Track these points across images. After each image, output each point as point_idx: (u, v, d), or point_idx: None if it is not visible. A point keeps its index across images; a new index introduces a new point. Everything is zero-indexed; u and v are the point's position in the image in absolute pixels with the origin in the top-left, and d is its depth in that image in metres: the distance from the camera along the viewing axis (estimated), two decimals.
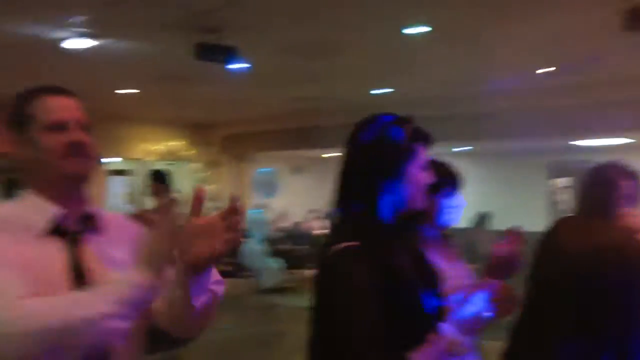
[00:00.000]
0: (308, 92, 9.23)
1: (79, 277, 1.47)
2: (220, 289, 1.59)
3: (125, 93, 9.51)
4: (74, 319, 1.29)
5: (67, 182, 1.55)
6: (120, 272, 1.38)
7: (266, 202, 9.28)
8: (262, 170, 8.54)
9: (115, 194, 12.48)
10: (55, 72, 7.21)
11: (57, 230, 1.51)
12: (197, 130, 13.57)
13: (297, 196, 14.09)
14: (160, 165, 13.87)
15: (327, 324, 1.64)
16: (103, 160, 12.65)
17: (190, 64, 6.22)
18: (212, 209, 7.54)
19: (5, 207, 1.58)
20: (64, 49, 6.45)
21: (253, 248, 8.20)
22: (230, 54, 5.71)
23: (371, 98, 9.83)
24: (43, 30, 5.99)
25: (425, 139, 1.78)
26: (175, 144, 12.88)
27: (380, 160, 1.72)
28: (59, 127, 1.53)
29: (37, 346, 1.26)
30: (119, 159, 12.87)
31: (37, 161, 1.53)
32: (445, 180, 2.27)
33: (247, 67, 6.82)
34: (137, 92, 9.51)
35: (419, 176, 1.75)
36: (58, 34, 6.04)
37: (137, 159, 12.68)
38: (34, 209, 1.52)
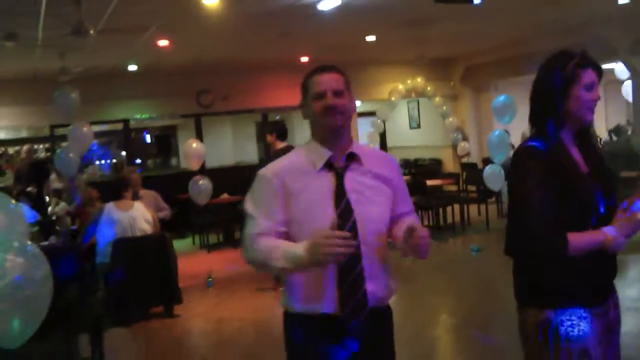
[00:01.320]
0: (548, 15, 9.29)
1: (341, 197, 2.26)
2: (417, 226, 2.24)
3: (370, 41, 10.42)
4: (266, 261, 2.19)
5: (330, 133, 2.32)
6: (292, 247, 2.16)
7: (506, 128, 9.61)
8: (501, 97, 8.84)
9: (364, 133, 13.64)
10: (313, 30, 8.42)
11: (329, 166, 2.31)
12: (436, 67, 14.14)
13: None
14: (403, 103, 14.78)
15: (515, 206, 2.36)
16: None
17: (427, 7, 6.83)
18: (455, 139, 8.48)
19: (301, 152, 2.39)
20: (317, 10, 7.52)
21: (495, 171, 8.60)
22: None
23: (616, 10, 9.60)
24: None
25: (591, 64, 2.33)
26: (416, 82, 13.54)
27: (551, 86, 2.33)
28: (319, 96, 2.27)
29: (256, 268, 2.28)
30: (367, 101, 14.00)
31: (312, 120, 2.35)
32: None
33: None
34: (380, 39, 10.37)
35: (584, 95, 2.31)
36: None
37: (381, 100, 13.64)
38: (315, 152, 2.33)
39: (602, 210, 2.31)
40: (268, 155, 7.83)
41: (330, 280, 2.21)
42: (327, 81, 2.29)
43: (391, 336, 2.45)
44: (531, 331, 2.35)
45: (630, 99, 11.62)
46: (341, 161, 2.30)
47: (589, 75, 2.32)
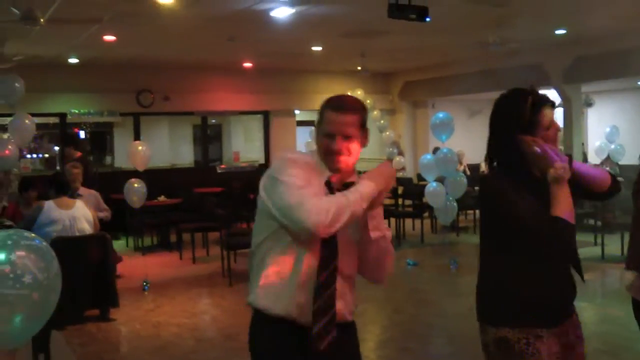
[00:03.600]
0: (490, 37, 9.59)
1: None
2: (388, 235, 2.38)
3: (316, 50, 10.50)
4: (341, 203, 2.14)
5: (330, 168, 2.34)
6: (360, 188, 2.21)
7: (438, 145, 9.86)
8: (440, 114, 9.05)
9: (303, 142, 13.70)
10: (261, 36, 8.42)
11: (328, 185, 2.32)
12: (377, 80, 14.36)
13: (472, 139, 14.51)
14: None
15: (493, 218, 2.46)
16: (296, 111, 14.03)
17: (376, 20, 6.96)
18: (390, 153, 8.64)
19: (312, 158, 2.38)
20: (270, 17, 7.54)
21: (433, 188, 8.80)
22: (421, 13, 6.30)
23: (552, 38, 10.03)
24: (254, 3, 7.05)
25: (544, 102, 2.41)
26: (356, 94, 13.70)
27: (510, 127, 2.42)
28: (329, 136, 2.29)
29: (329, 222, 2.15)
30: (306, 110, 14.08)
31: (319, 149, 2.34)
32: None
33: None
34: (324, 49, 10.46)
35: (546, 135, 2.38)
36: (267, 5, 7.10)
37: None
38: (319, 170, 2.34)
39: None
40: None
41: (306, 291, 2.26)
42: (341, 124, 2.29)
43: (357, 348, 2.50)
44: (491, 348, 2.44)
45: (560, 124, 12.12)
46: (339, 185, 2.33)
47: (545, 115, 2.39)
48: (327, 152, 2.30)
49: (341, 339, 2.33)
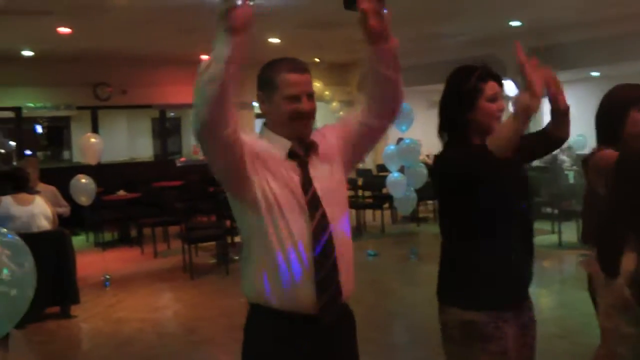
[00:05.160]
0: (444, 29, 9.73)
1: (308, 186, 2.20)
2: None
3: (273, 42, 10.48)
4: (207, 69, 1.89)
5: (296, 135, 2.23)
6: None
7: (401, 136, 9.94)
8: None
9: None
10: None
11: (292, 155, 2.25)
12: (334, 72, 14.40)
13: (432, 130, 14.66)
14: None
15: (451, 191, 2.47)
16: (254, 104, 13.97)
17: (331, 11, 6.97)
18: None
19: (260, 142, 2.25)
20: None
21: (394, 178, 8.88)
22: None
23: (507, 30, 10.22)
24: None
25: (492, 76, 2.47)
26: (314, 86, 13.72)
27: (456, 100, 2.47)
28: (293, 98, 2.14)
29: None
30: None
31: (278, 119, 2.20)
32: None
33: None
34: (281, 41, 10.44)
35: (488, 107, 2.45)
36: None
37: None
38: (278, 143, 2.24)
39: (523, 205, 2.51)
40: None
41: (306, 273, 2.13)
42: (304, 83, 2.19)
43: (355, 335, 2.49)
44: (454, 331, 2.46)
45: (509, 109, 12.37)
46: (301, 151, 2.23)
47: (490, 87, 2.45)
48: (295, 116, 2.17)
49: (343, 327, 2.31)
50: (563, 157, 10.98)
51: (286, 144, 2.20)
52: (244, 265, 2.24)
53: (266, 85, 2.21)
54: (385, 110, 2.33)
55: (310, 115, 2.20)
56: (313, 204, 2.17)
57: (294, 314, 2.14)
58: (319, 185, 2.21)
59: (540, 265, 7.64)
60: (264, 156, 2.16)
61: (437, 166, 2.56)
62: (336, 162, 2.31)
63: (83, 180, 7.53)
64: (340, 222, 2.24)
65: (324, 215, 2.17)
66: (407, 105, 9.16)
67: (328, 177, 2.25)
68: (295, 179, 2.19)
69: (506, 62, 11.37)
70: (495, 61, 11.37)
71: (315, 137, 2.28)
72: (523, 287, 2.55)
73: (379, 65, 2.23)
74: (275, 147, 2.20)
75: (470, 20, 9.12)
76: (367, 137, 2.36)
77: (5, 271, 2.05)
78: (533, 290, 2.61)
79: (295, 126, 2.19)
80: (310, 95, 2.20)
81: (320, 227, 2.15)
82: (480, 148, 2.29)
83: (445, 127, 2.56)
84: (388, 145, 9.73)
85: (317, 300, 2.14)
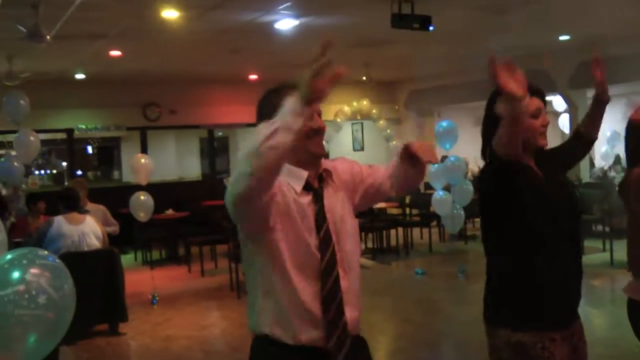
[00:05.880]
0: (492, 45, 9.59)
1: (322, 220, 2.15)
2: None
3: None
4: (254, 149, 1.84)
5: (312, 157, 2.15)
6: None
7: (446, 154, 9.83)
8: (444, 123, 9.06)
9: None
10: (265, 48, 8.48)
11: (307, 187, 2.14)
12: (382, 90, 14.38)
13: (479, 147, 14.46)
14: (347, 124, 14.94)
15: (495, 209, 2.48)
16: None
17: (380, 30, 6.98)
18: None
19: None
20: (274, 29, 7.60)
21: (440, 196, 8.79)
22: (424, 22, 6.33)
23: (556, 44, 10.04)
24: (258, 16, 7.09)
25: (534, 92, 2.39)
26: (362, 104, 13.72)
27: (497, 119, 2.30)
28: (308, 117, 1.92)
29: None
30: None
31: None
32: None
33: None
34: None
35: (532, 123, 2.41)
36: (271, 17, 7.14)
37: (327, 120, 13.77)
38: (292, 174, 2.12)
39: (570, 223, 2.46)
40: None
41: (312, 306, 2.09)
42: None
43: None
44: (502, 353, 2.41)
45: (566, 130, 12.11)
46: (315, 182, 2.19)
47: (533, 104, 2.41)
48: (312, 134, 2.11)
49: (356, 356, 2.20)
50: (613, 174, 10.68)
51: (302, 175, 2.15)
52: (249, 297, 2.21)
53: (276, 112, 1.96)
54: (402, 188, 2.42)
55: (323, 131, 2.20)
56: (324, 243, 2.13)
57: (304, 347, 2.10)
58: (331, 216, 2.19)
59: (591, 285, 7.42)
60: (280, 198, 2.09)
61: (480, 184, 2.51)
62: (345, 194, 2.31)
63: (142, 197, 7.86)
64: (350, 253, 2.21)
65: (333, 254, 2.14)
66: (451, 122, 9.08)
67: (340, 206, 2.24)
68: (310, 214, 2.14)
69: (555, 77, 11.25)
70: (544, 76, 11.28)
71: (326, 165, 2.28)
72: (571, 306, 2.48)
73: (413, 172, 2.32)
74: (292, 180, 2.14)
75: (519, 36, 8.99)
76: (373, 195, 2.42)
77: (40, 295, 2.05)
78: (583, 310, 2.54)
79: (310, 146, 2.14)
80: (320, 114, 2.19)
81: (328, 267, 2.12)
82: (518, 164, 2.29)
83: (488, 146, 2.49)
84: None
85: (325, 338, 2.10)
